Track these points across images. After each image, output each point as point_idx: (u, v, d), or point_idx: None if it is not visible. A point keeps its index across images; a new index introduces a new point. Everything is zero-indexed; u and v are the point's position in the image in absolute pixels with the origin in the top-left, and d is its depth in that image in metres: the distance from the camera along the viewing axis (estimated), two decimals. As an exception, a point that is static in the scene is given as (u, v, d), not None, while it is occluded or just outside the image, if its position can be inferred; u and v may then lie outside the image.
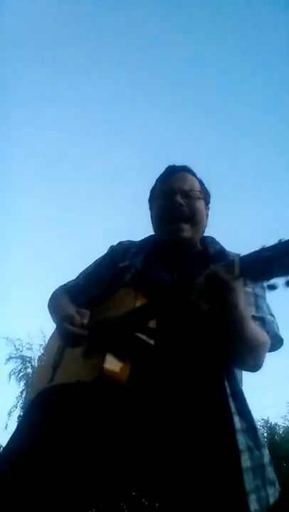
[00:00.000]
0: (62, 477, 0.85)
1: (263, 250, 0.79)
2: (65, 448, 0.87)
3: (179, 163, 1.32)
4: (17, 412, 13.91)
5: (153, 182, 1.35)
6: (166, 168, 1.31)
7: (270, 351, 1.10)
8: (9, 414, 14.07)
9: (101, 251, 1.37)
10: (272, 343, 1.08)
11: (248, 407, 0.98)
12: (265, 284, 0.80)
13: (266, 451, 0.95)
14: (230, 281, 0.84)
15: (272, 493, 0.90)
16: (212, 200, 1.33)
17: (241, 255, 0.84)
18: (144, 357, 0.95)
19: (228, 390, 0.96)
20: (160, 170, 1.34)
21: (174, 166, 1.30)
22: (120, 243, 1.36)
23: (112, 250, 1.33)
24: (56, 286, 1.37)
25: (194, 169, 1.32)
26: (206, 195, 1.28)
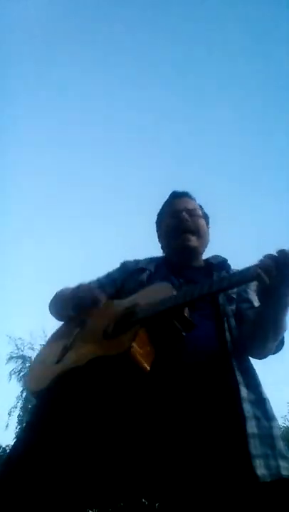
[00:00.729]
0: (66, 471, 0.85)
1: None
2: (75, 439, 0.87)
3: (181, 189, 1.53)
4: (17, 412, 13.87)
5: (157, 205, 1.53)
6: (171, 194, 1.49)
7: (275, 353, 1.16)
8: (9, 414, 14.08)
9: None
10: (281, 342, 1.14)
11: (257, 381, 1.04)
12: None
13: (276, 424, 0.98)
14: None
15: (285, 467, 0.90)
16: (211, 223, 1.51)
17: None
18: (172, 346, 0.97)
19: (235, 364, 1.02)
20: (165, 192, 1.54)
21: (178, 191, 1.49)
22: (130, 260, 1.46)
23: (124, 262, 1.44)
24: (60, 286, 1.37)
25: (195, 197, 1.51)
26: (206, 217, 1.46)
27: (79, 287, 1.21)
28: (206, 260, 1.40)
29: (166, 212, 1.45)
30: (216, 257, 1.39)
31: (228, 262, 1.34)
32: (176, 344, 0.97)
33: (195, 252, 1.36)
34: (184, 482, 0.90)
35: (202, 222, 1.40)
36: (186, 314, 0.97)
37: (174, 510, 0.95)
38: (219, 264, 1.32)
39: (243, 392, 0.97)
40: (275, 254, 0.93)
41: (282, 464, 0.90)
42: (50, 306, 1.33)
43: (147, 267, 1.33)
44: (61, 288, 1.36)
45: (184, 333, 0.97)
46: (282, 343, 1.15)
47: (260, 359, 1.14)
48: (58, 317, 1.30)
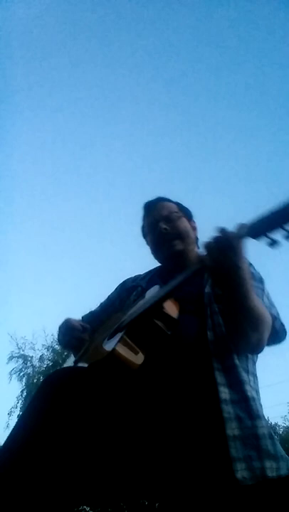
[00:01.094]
0: (65, 463, 0.85)
1: (267, 212, 0.86)
2: (70, 432, 0.87)
3: (153, 196, 1.50)
4: (17, 412, 13.90)
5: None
6: (144, 206, 1.48)
7: (274, 342, 1.14)
8: (9, 414, 14.09)
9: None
10: (275, 331, 1.11)
11: (242, 379, 0.99)
12: (267, 240, 0.86)
13: (263, 423, 0.94)
14: (237, 243, 0.92)
15: (272, 467, 0.87)
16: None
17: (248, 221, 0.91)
18: (158, 346, 0.98)
19: (215, 364, 0.99)
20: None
21: (149, 201, 1.46)
22: (130, 278, 1.55)
23: (124, 282, 1.54)
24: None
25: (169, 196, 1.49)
26: (185, 212, 1.43)
27: (60, 330, 1.35)
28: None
29: (145, 227, 1.45)
30: None
31: None
32: (163, 343, 0.98)
33: (184, 254, 1.33)
34: (165, 487, 0.90)
35: (182, 222, 1.36)
36: (166, 312, 0.99)
37: None
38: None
39: (224, 392, 0.95)
40: (215, 234, 0.95)
41: (267, 464, 0.87)
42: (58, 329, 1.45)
43: (140, 283, 1.40)
44: (63, 321, 1.47)
45: (168, 332, 0.99)
46: (277, 333, 1.12)
47: (253, 353, 1.11)
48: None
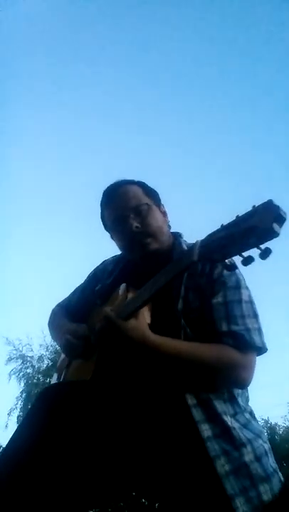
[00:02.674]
0: (64, 473, 0.85)
1: (219, 230, 0.78)
2: (64, 444, 0.87)
3: (112, 178, 1.28)
4: (17, 412, 13.92)
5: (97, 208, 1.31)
6: (104, 193, 1.27)
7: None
8: (9, 414, 14.09)
9: (97, 254, 1.41)
10: (257, 352, 1.04)
11: (219, 411, 0.96)
12: (224, 263, 0.79)
13: (248, 449, 0.93)
14: (114, 325, 0.93)
15: (266, 490, 0.88)
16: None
17: (201, 239, 0.83)
18: (133, 355, 0.98)
19: (189, 401, 0.96)
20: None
21: (110, 187, 1.26)
22: (103, 262, 1.43)
23: (95, 272, 1.43)
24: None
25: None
26: (154, 198, 1.25)
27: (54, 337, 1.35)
28: (173, 248, 1.22)
29: (109, 218, 1.24)
30: (179, 243, 1.22)
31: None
32: (136, 351, 0.97)
33: (158, 253, 1.17)
34: None
35: (154, 217, 1.19)
36: None
37: None
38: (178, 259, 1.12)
39: (205, 429, 0.92)
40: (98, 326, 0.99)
41: (262, 489, 0.88)
42: (48, 325, 1.43)
43: (106, 281, 1.29)
44: (53, 307, 1.46)
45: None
46: (261, 349, 1.04)
47: (231, 388, 1.04)
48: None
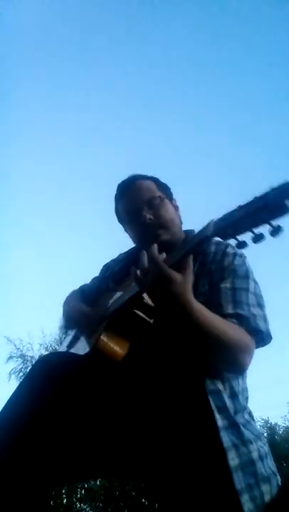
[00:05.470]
0: (60, 441, 0.85)
1: (235, 210, 0.81)
2: (62, 412, 0.87)
3: (127, 173, 1.34)
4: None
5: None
6: (118, 187, 1.32)
7: (258, 347, 1.07)
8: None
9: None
10: (260, 338, 1.05)
11: (227, 404, 0.96)
12: (236, 241, 0.80)
13: (254, 446, 0.92)
14: (169, 273, 0.87)
15: (267, 491, 0.88)
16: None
17: (217, 218, 0.86)
18: (143, 335, 0.97)
19: (207, 387, 0.95)
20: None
21: (124, 181, 1.32)
22: (113, 260, 1.48)
23: (107, 263, 1.47)
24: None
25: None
26: (166, 192, 1.30)
27: (64, 311, 1.32)
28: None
29: (123, 211, 1.30)
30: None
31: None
32: (148, 333, 0.96)
33: (168, 244, 1.21)
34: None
35: (166, 209, 1.24)
36: (145, 301, 0.98)
37: None
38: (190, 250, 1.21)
39: (218, 419, 0.91)
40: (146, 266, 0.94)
41: (264, 489, 0.87)
42: (63, 304, 1.41)
43: (114, 268, 1.35)
44: (69, 294, 1.46)
45: (150, 320, 0.99)
46: (267, 336, 1.05)
47: (235, 374, 1.05)
48: None
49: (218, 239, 0.86)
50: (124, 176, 1.34)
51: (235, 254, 1.16)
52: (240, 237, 0.80)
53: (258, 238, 0.76)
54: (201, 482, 0.85)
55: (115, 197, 1.33)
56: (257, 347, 1.05)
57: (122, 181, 1.32)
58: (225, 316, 1.01)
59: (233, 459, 0.86)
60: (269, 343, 1.08)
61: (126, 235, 1.37)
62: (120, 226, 1.37)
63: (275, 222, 0.73)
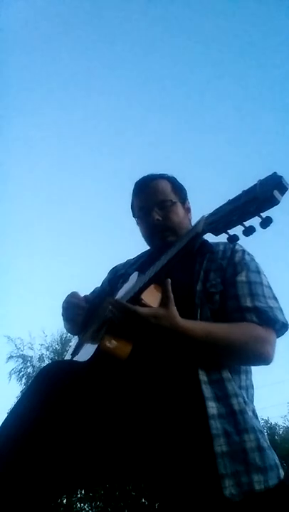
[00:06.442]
0: (62, 447, 0.85)
1: (225, 204, 0.82)
2: (64, 418, 0.87)
3: (148, 170, 1.38)
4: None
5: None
6: (136, 184, 1.37)
7: (278, 335, 1.09)
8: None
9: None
10: (279, 329, 1.07)
11: (229, 392, 0.97)
12: (227, 235, 0.82)
13: (250, 437, 0.92)
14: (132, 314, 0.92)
15: (260, 480, 0.87)
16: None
17: (208, 214, 0.87)
18: (143, 335, 0.97)
19: (204, 378, 0.97)
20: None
21: (142, 179, 1.36)
22: (120, 264, 1.51)
23: (115, 269, 1.50)
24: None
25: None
26: (180, 194, 1.34)
27: (63, 305, 1.30)
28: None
29: (137, 207, 1.35)
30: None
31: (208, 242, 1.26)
32: (146, 333, 0.97)
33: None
34: (157, 499, 0.91)
35: (176, 213, 1.28)
36: (143, 302, 0.99)
37: None
38: (198, 250, 1.23)
39: (211, 407, 0.93)
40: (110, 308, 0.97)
41: (255, 478, 0.87)
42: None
43: (128, 270, 1.36)
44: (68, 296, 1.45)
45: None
46: (284, 326, 1.08)
47: (254, 365, 1.10)
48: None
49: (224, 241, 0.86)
50: (132, 175, 1.40)
51: (244, 251, 1.20)
52: (232, 231, 0.81)
53: (248, 231, 0.77)
54: (186, 467, 0.88)
55: (132, 192, 1.38)
56: (278, 336, 1.09)
57: (141, 178, 1.36)
58: (244, 309, 1.05)
59: (220, 446, 0.88)
60: (285, 332, 1.11)
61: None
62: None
63: (264, 214, 0.74)
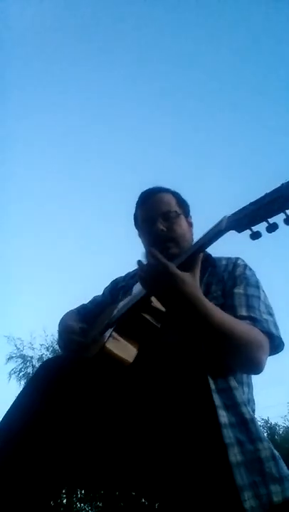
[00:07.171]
0: (63, 445, 0.85)
1: (247, 205, 0.84)
2: (65, 416, 0.86)
3: (153, 183, 1.41)
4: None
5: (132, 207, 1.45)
6: (141, 195, 1.38)
7: (271, 354, 1.07)
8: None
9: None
10: (274, 345, 1.06)
11: (238, 401, 0.95)
12: (251, 231, 0.83)
13: (264, 445, 0.91)
14: (168, 269, 0.90)
15: (277, 491, 0.84)
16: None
17: (230, 214, 0.89)
18: (149, 339, 0.97)
19: (212, 386, 0.94)
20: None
21: (148, 191, 1.37)
22: (121, 276, 1.51)
23: (115, 281, 1.50)
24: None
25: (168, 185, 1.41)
26: (184, 208, 1.36)
27: (59, 333, 1.31)
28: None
29: (140, 218, 1.36)
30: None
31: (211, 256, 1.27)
32: (154, 337, 0.96)
33: (176, 257, 1.23)
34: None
35: (180, 225, 1.29)
36: (154, 305, 0.98)
37: None
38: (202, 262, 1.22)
39: (222, 416, 0.90)
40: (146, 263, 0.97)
41: (273, 489, 0.84)
42: (58, 325, 1.41)
43: (129, 282, 1.36)
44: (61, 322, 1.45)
45: (157, 325, 0.99)
46: (280, 342, 1.07)
47: (250, 373, 1.08)
48: None
49: (228, 256, 0.88)
50: (136, 185, 1.42)
51: (245, 266, 1.21)
52: (255, 228, 0.82)
53: (272, 227, 0.79)
54: (201, 478, 0.84)
55: (136, 203, 1.39)
56: (270, 354, 1.06)
57: (145, 190, 1.38)
58: (238, 318, 1.03)
59: (235, 455, 0.85)
60: (282, 349, 1.09)
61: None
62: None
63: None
